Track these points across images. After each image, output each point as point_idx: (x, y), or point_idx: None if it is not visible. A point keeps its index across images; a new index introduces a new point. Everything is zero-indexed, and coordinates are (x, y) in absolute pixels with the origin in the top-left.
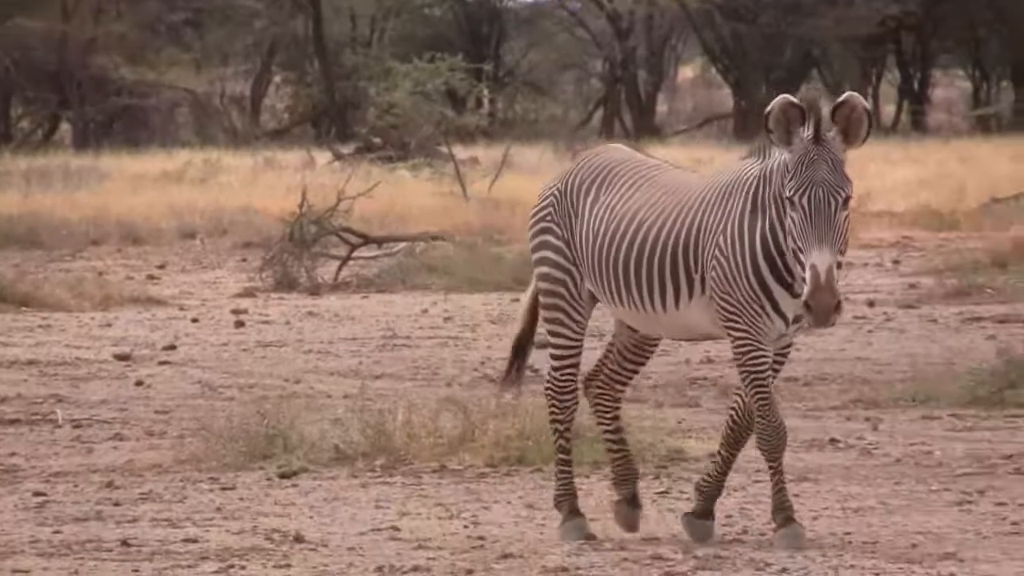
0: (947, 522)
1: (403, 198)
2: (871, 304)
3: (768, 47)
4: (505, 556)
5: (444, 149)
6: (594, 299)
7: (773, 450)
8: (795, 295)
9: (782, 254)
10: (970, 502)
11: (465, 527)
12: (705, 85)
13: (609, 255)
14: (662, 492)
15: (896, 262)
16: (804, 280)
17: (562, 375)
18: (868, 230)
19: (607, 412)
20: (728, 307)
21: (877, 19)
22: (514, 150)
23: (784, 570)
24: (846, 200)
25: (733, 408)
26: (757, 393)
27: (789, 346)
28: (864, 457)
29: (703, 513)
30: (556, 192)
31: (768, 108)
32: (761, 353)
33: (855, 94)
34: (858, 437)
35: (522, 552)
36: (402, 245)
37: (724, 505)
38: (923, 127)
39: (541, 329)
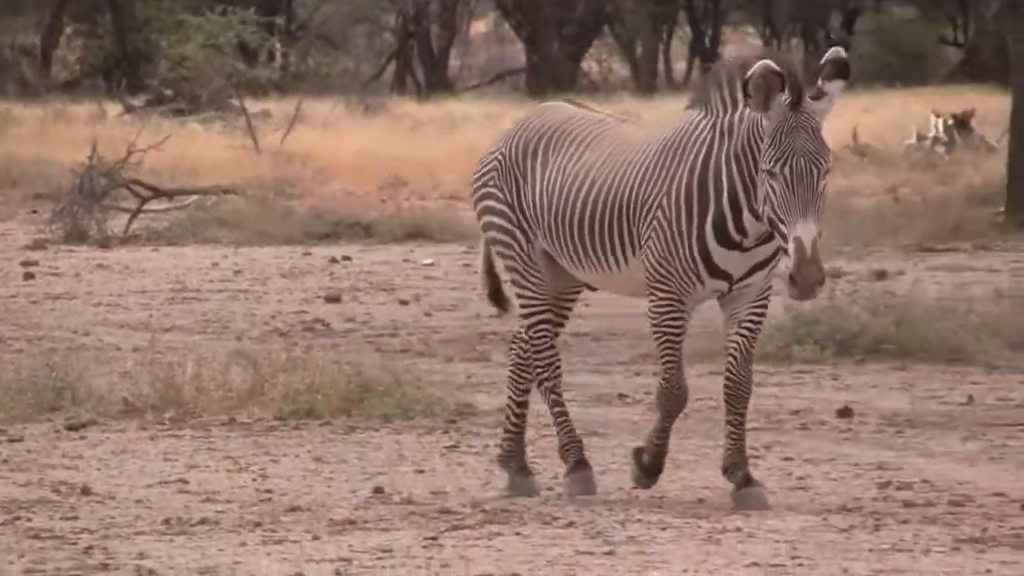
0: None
1: (194, 151)
2: None
3: (561, 2)
4: (293, 509)
5: (235, 102)
6: (549, 258)
7: (668, 413)
8: (744, 250)
9: (737, 211)
10: (757, 457)
11: (253, 480)
12: (498, 40)
13: (565, 216)
14: (451, 446)
15: None
16: (783, 250)
17: (535, 332)
18: None
19: (521, 382)
20: (661, 270)
21: None
22: (306, 104)
23: (571, 524)
24: (826, 170)
25: (727, 368)
26: (668, 358)
27: (766, 293)
28: (652, 412)
29: (745, 482)
30: (499, 156)
31: (749, 72)
32: (681, 317)
33: (836, 48)
34: (647, 392)
35: (310, 505)
36: (193, 198)
37: None
38: None
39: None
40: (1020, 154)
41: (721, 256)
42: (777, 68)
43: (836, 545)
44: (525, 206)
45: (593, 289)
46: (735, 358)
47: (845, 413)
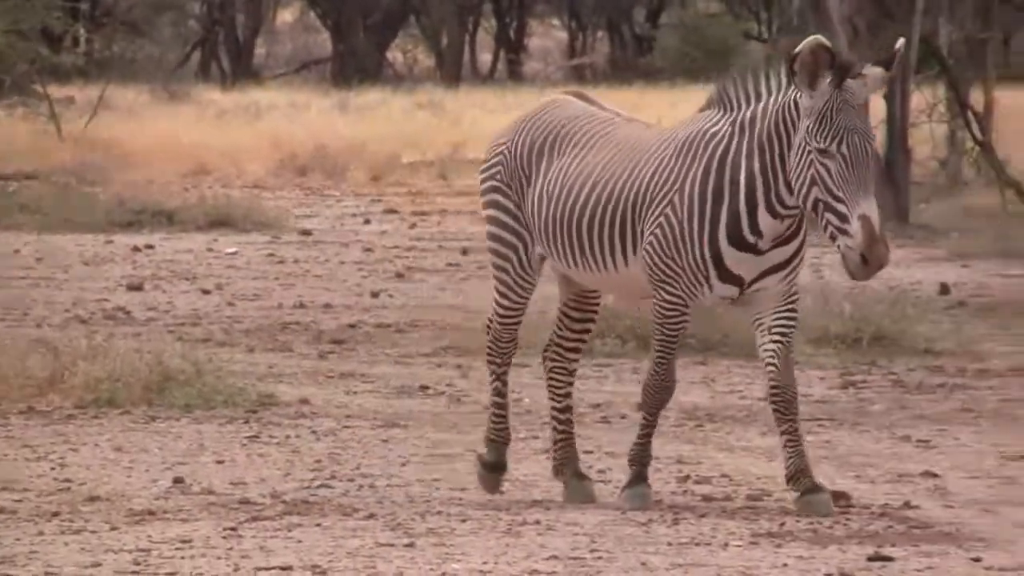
0: (536, 470)
1: None
2: (464, 252)
3: None
4: (92, 499)
5: (39, 88)
6: (543, 261)
7: (653, 409)
8: (760, 253)
9: (753, 211)
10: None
11: (52, 469)
12: (304, 29)
13: (563, 216)
14: (252, 436)
15: None
16: (840, 230)
17: (503, 328)
18: (462, 178)
19: (559, 387)
20: (667, 269)
21: None
22: (111, 91)
23: (372, 516)
24: (873, 151)
25: (770, 374)
26: (662, 353)
27: (793, 298)
28: (454, 404)
29: (812, 489)
30: (505, 152)
31: (797, 49)
32: (684, 318)
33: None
34: (448, 384)
35: (109, 495)
36: None
37: (314, 450)
38: (519, 76)
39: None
40: None
41: (734, 258)
42: (827, 44)
43: (635, 539)
44: (527, 206)
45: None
46: (776, 366)
47: None
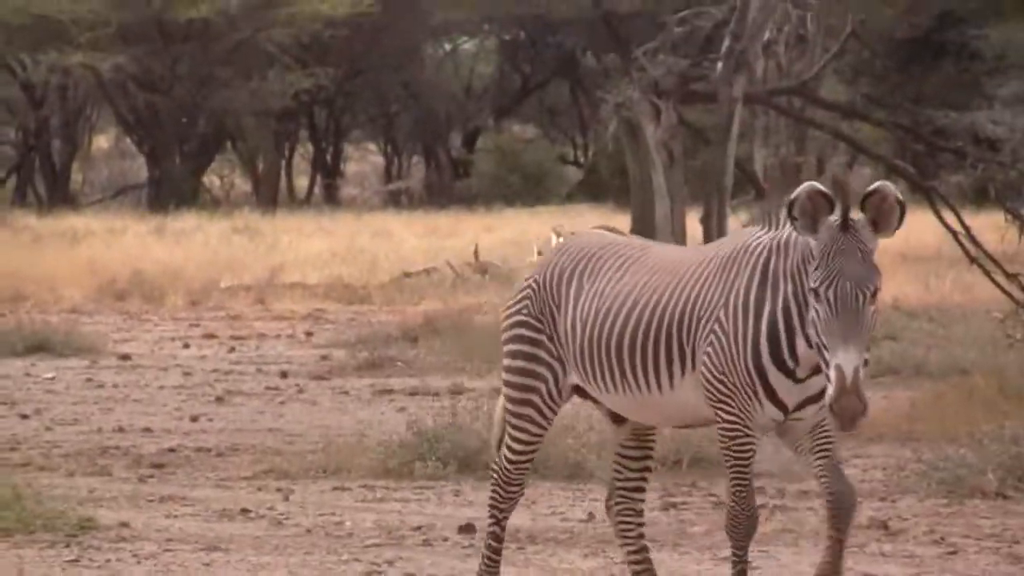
0: None
1: None
2: (284, 375)
3: (182, 118)
4: None
5: None
6: (572, 393)
7: (741, 538)
8: (797, 380)
9: (791, 334)
10: (379, 573)
11: None
12: (120, 155)
13: (599, 340)
14: (72, 560)
15: (309, 334)
16: (827, 377)
17: (515, 468)
18: (281, 301)
19: (630, 531)
20: (721, 387)
21: (290, 92)
22: None
23: None
24: (874, 293)
25: (825, 486)
26: (737, 480)
27: (827, 431)
28: (275, 527)
29: None
30: (533, 285)
31: (793, 195)
32: (748, 439)
33: (887, 183)
34: (269, 507)
35: None
36: None
37: (135, 574)
38: (336, 200)
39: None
40: None
41: (776, 379)
42: (823, 189)
43: None
44: (560, 334)
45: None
46: (830, 478)
47: (467, 529)
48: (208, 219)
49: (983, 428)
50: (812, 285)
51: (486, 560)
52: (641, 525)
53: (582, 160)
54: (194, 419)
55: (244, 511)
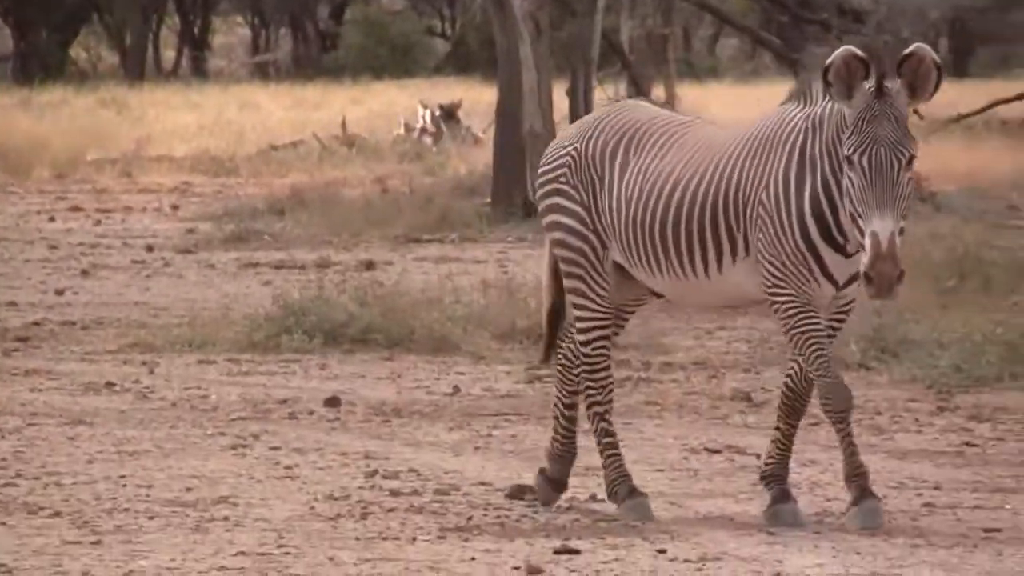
0: (222, 466)
1: None
2: (150, 249)
3: None
4: None
5: None
6: (617, 268)
7: (840, 412)
8: (847, 255)
9: (835, 211)
10: (244, 446)
11: None
12: None
13: (644, 221)
14: None
15: (175, 207)
16: (862, 246)
17: (593, 350)
18: (147, 175)
19: (569, 384)
20: (774, 270)
21: None
22: None
23: (57, 513)
24: (910, 160)
25: (788, 375)
26: (814, 357)
27: (850, 304)
28: (140, 400)
29: (781, 497)
30: (573, 153)
31: (829, 60)
32: (811, 315)
33: (923, 46)
34: (134, 381)
35: None
36: None
37: (1, 449)
38: (203, 73)
39: None
40: (505, 146)
41: (827, 255)
42: (859, 53)
43: (323, 534)
44: (601, 210)
45: (658, 296)
46: (797, 368)
47: (333, 402)
48: (75, 92)
49: None
50: (846, 152)
51: (609, 456)
52: (577, 393)
53: (450, 32)
54: (59, 292)
55: (109, 384)
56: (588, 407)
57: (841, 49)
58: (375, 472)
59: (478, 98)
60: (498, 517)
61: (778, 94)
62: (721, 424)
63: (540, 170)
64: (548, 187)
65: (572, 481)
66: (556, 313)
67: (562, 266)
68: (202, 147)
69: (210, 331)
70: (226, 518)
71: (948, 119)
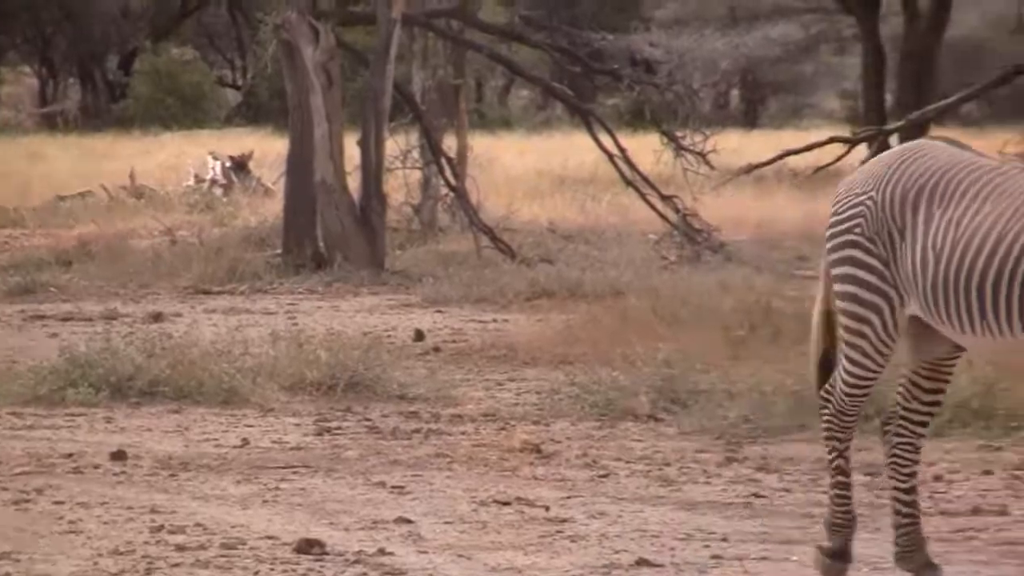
0: (4, 521)
1: None
2: None
3: None
4: None
5: None
6: (921, 324)
7: None
8: None
9: None
10: (28, 501)
11: None
12: None
13: (958, 275)
14: None
15: None
16: None
17: (851, 400)
18: None
19: (906, 466)
20: None
21: None
22: None
23: None
24: None
25: None
26: None
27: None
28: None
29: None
30: (869, 202)
31: None
32: None
33: None
34: None
35: None
36: None
37: None
38: None
39: None
40: (296, 197)
41: None
42: None
43: None
44: (901, 265)
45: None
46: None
47: (118, 456)
48: None
49: (637, 350)
50: None
51: (838, 497)
52: (917, 463)
53: (240, 82)
54: None
55: None
56: (827, 440)
57: None
58: (161, 527)
59: (269, 148)
60: (285, 571)
61: (570, 144)
62: (510, 476)
63: (833, 219)
64: (841, 238)
65: (360, 535)
66: (827, 362)
67: (846, 320)
68: None
69: None
70: (8, 574)
71: (739, 169)
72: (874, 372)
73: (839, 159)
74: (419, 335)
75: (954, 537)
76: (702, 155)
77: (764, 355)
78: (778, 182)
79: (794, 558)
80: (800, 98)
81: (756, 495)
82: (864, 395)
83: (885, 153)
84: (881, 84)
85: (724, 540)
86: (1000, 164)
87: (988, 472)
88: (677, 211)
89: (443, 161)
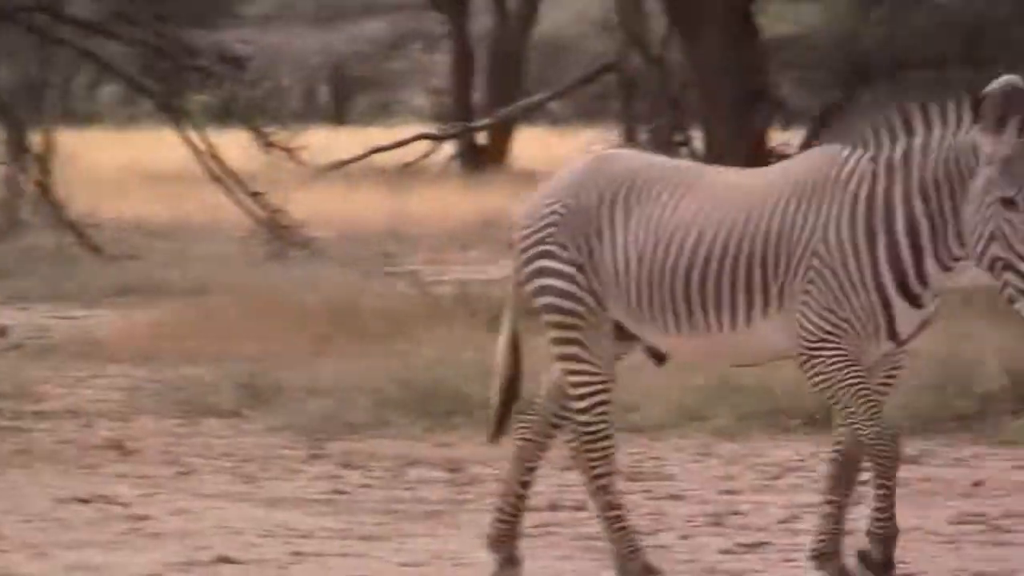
0: None
1: None
2: None
3: None
4: None
5: None
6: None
7: (888, 469)
8: (920, 307)
9: (919, 256)
10: None
11: None
12: None
13: (656, 276)
14: None
15: None
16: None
17: (594, 417)
18: None
19: (529, 460)
20: (825, 324)
21: None
22: None
23: None
24: None
25: (838, 444)
26: (865, 410)
27: (901, 362)
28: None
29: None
30: (560, 210)
31: (988, 89)
32: (859, 370)
33: None
34: None
35: None
36: None
37: None
38: None
39: None
40: None
41: (900, 310)
42: (1022, 86)
43: None
44: (599, 266)
45: (659, 359)
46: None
47: None
48: None
49: (222, 347)
50: (1004, 194)
51: (616, 531)
52: (539, 461)
53: None
54: None
55: None
56: (592, 478)
57: (1003, 78)
58: None
59: None
60: None
61: (160, 140)
62: (91, 473)
63: (522, 231)
64: (533, 250)
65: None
66: (512, 388)
67: (552, 332)
68: None
69: None
70: None
71: (327, 165)
72: (600, 376)
73: (426, 156)
74: (2, 331)
75: (535, 532)
76: (289, 151)
77: (349, 352)
78: (365, 179)
79: (376, 555)
80: (389, 95)
81: (338, 491)
82: (604, 403)
83: (576, 162)
84: (469, 82)
85: (305, 537)
86: (693, 164)
87: (568, 468)
88: (264, 208)
89: (28, 157)
